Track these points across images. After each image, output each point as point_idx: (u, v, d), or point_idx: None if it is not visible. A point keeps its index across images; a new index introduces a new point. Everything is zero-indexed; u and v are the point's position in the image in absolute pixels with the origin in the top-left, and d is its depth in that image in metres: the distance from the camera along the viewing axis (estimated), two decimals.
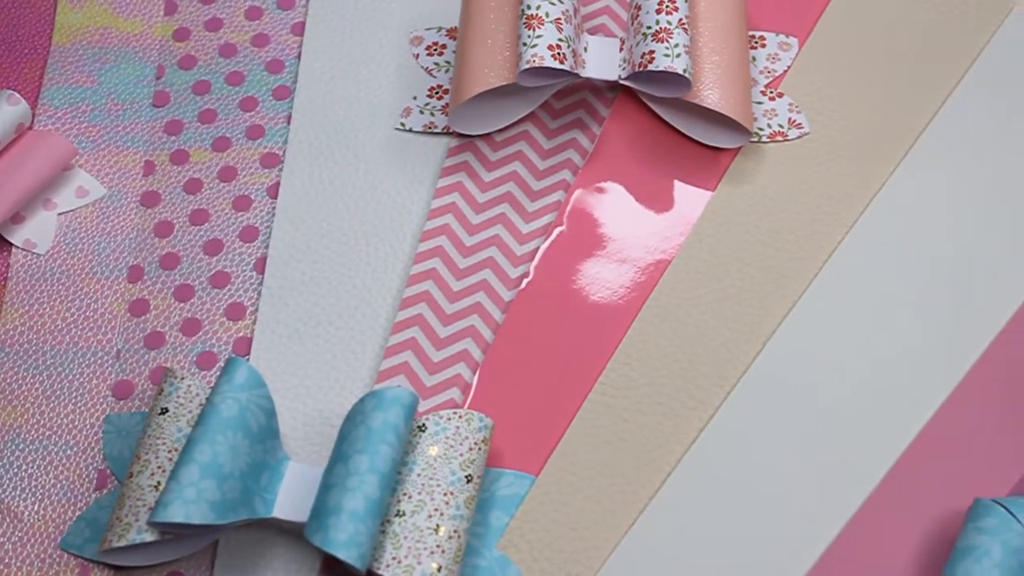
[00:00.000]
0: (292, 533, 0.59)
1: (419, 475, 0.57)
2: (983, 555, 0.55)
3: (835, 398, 0.62)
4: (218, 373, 0.61)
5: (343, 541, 0.53)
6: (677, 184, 0.68)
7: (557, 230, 0.66)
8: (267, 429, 0.58)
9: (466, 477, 0.58)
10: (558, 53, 0.65)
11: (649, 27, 0.66)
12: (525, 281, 0.65)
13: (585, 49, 0.68)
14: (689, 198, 0.67)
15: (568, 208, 0.67)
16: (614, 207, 0.67)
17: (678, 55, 0.65)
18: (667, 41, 0.65)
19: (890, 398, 0.62)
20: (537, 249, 0.66)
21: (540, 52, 0.64)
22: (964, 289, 0.64)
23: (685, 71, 0.65)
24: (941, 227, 0.66)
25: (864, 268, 0.65)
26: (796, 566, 0.58)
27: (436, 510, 0.57)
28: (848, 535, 0.59)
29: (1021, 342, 0.63)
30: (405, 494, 0.57)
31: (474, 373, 0.63)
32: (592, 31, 0.72)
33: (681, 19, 0.66)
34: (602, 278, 0.65)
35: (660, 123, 0.69)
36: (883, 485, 0.60)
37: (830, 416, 0.62)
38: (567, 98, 0.71)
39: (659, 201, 0.67)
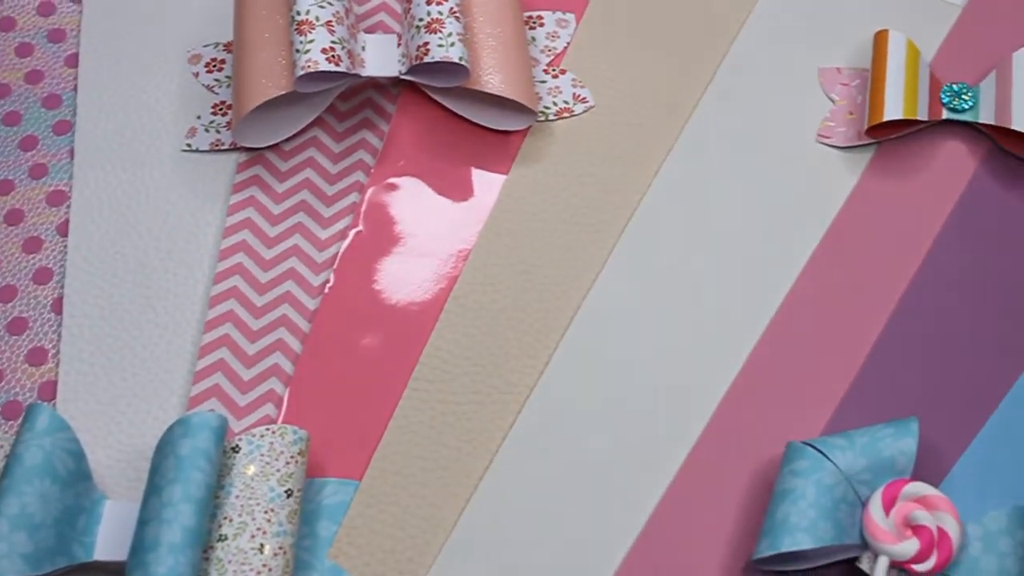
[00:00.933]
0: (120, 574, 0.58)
1: (237, 497, 0.57)
2: (799, 497, 0.56)
3: (646, 364, 0.63)
4: None
5: (163, 575, 0.53)
6: (470, 172, 0.68)
7: (354, 232, 0.66)
8: (77, 472, 0.57)
9: (286, 492, 0.57)
10: (332, 56, 0.64)
11: (421, 19, 0.66)
12: (328, 287, 0.64)
13: (363, 48, 0.68)
14: (484, 184, 0.68)
15: (364, 209, 0.67)
16: (410, 202, 0.67)
17: (452, 44, 0.65)
18: (440, 31, 0.65)
19: (698, 358, 0.63)
20: (337, 254, 0.65)
21: (314, 57, 0.64)
22: (756, 246, 0.66)
23: (461, 59, 0.65)
24: (728, 188, 0.67)
25: (660, 234, 0.66)
26: (626, 533, 0.59)
27: (259, 529, 0.56)
28: (673, 493, 0.60)
29: (814, 292, 0.64)
30: (226, 518, 0.56)
31: (286, 387, 0.62)
32: (370, 29, 0.72)
33: (452, 8, 0.66)
34: (405, 274, 0.65)
35: (447, 113, 0.69)
36: (701, 441, 0.61)
37: (643, 382, 0.62)
38: (352, 99, 0.70)
39: (455, 191, 0.67)
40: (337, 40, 0.65)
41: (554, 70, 0.71)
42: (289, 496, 0.57)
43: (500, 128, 0.68)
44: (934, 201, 0.67)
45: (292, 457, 0.58)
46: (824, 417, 0.61)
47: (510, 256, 0.65)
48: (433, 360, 0.63)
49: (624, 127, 0.69)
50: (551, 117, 0.69)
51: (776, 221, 0.66)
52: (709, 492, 0.60)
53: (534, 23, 0.72)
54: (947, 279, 0.65)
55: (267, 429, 0.58)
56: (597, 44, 0.72)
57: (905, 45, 0.68)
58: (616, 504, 0.60)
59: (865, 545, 0.56)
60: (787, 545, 0.55)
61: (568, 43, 0.72)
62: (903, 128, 0.68)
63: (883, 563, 0.55)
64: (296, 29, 0.65)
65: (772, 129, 0.69)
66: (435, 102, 0.69)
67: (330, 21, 0.65)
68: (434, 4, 0.66)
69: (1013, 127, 0.66)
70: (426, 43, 0.65)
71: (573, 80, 0.70)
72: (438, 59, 0.65)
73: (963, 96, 0.68)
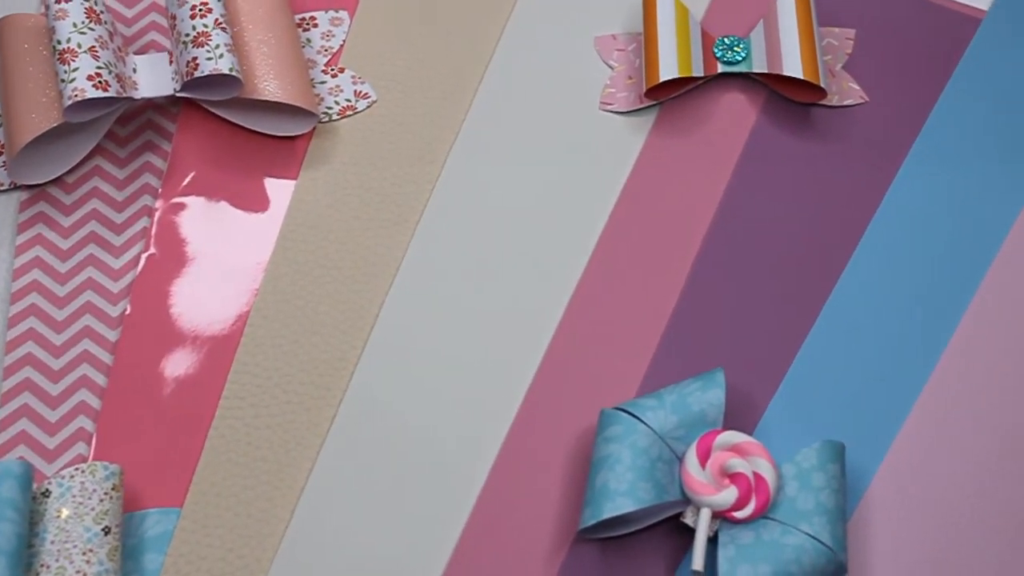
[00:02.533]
0: None
1: (53, 542, 0.55)
2: (616, 462, 0.57)
3: (455, 351, 0.63)
4: None
5: None
6: (259, 181, 0.67)
7: (147, 256, 0.65)
8: None
9: (103, 530, 0.56)
10: (100, 82, 0.63)
11: (187, 34, 0.65)
12: (125, 316, 0.63)
13: (134, 70, 0.66)
14: (274, 192, 0.67)
15: (155, 232, 0.65)
16: (202, 220, 0.66)
17: (221, 55, 0.64)
18: (207, 44, 0.64)
19: (506, 338, 0.63)
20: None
21: (80, 85, 0.62)
22: (552, 220, 0.66)
23: (231, 70, 0.64)
24: (518, 166, 0.68)
25: (455, 220, 0.66)
26: (456, 518, 0.59)
27: (78, 572, 0.55)
28: (497, 474, 0.60)
29: (613, 258, 0.65)
30: (43, 565, 0.55)
31: (95, 423, 0.61)
32: (143, 49, 0.71)
33: (217, 19, 0.65)
34: (205, 294, 0.64)
35: (229, 126, 0.68)
36: (519, 420, 0.61)
37: (454, 368, 0.62)
38: (131, 123, 0.69)
39: (245, 202, 0.67)
40: (103, 65, 0.63)
41: (332, 69, 0.70)
42: (107, 533, 0.56)
43: (284, 134, 0.68)
44: (720, 154, 0.68)
45: (106, 493, 0.57)
46: (637, 379, 0.62)
47: (308, 261, 0.65)
48: (242, 376, 0.62)
49: (409, 118, 0.69)
50: (334, 117, 0.69)
51: (569, 193, 0.67)
52: (532, 469, 0.60)
53: (307, 24, 0.71)
54: (740, 227, 0.66)
55: (77, 469, 0.57)
56: (373, 38, 0.71)
57: (673, 5, 0.69)
58: (443, 491, 0.60)
59: (687, 500, 0.57)
60: (609, 511, 0.55)
61: (344, 41, 0.71)
62: (682, 86, 0.69)
63: (705, 515, 0.56)
64: (59, 59, 0.63)
65: (555, 102, 0.69)
66: (216, 116, 0.68)
67: (93, 47, 0.64)
68: (199, 17, 0.65)
69: (785, 73, 0.67)
70: (195, 58, 0.64)
71: (353, 77, 0.70)
72: (208, 72, 0.64)
73: (735, 48, 0.69)
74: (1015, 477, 0.60)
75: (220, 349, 0.63)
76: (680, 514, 0.58)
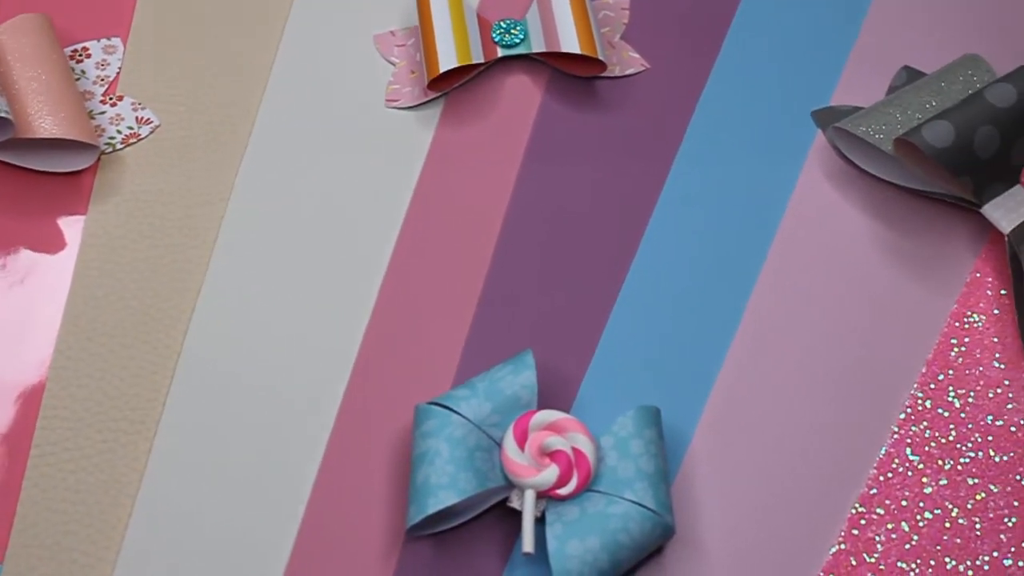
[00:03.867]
0: None
1: None
2: (434, 456, 0.57)
3: (267, 365, 0.62)
4: None
5: None
6: (49, 222, 0.66)
7: None
8: None
9: None
10: None
11: None
12: None
13: None
14: (66, 230, 0.66)
15: None
16: None
17: None
18: None
19: (317, 345, 0.63)
20: None
21: None
22: (351, 223, 0.66)
23: (1, 111, 0.62)
24: (311, 173, 0.67)
25: (253, 235, 0.65)
26: (287, 529, 0.58)
27: None
28: (322, 481, 0.60)
29: (415, 253, 0.65)
30: None
31: None
32: None
33: None
34: (5, 344, 0.62)
35: (11, 168, 0.66)
36: (339, 424, 0.61)
37: (268, 383, 0.62)
38: None
39: (37, 245, 0.66)
40: None
41: (111, 98, 0.69)
42: None
43: (68, 170, 0.66)
44: (510, 136, 0.68)
45: None
46: (451, 370, 0.62)
47: (107, 295, 0.64)
48: (52, 422, 0.61)
49: (196, 137, 0.68)
50: (118, 146, 0.67)
51: (364, 194, 0.67)
52: (357, 474, 0.60)
53: (80, 55, 0.70)
54: (535, 208, 0.66)
55: None
56: (149, 62, 0.70)
57: None
58: (268, 512, 0.59)
59: (511, 484, 0.57)
60: (433, 506, 0.55)
61: (120, 68, 0.70)
62: (465, 75, 0.69)
63: (530, 496, 0.57)
64: None
65: (342, 105, 0.69)
66: None
67: None
68: None
69: (563, 50, 0.67)
70: None
71: (133, 104, 0.69)
72: None
73: (512, 31, 0.69)
74: (826, 418, 0.61)
75: (27, 398, 0.61)
76: (506, 499, 0.58)
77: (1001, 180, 0.63)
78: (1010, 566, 0.58)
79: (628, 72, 0.70)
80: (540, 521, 0.57)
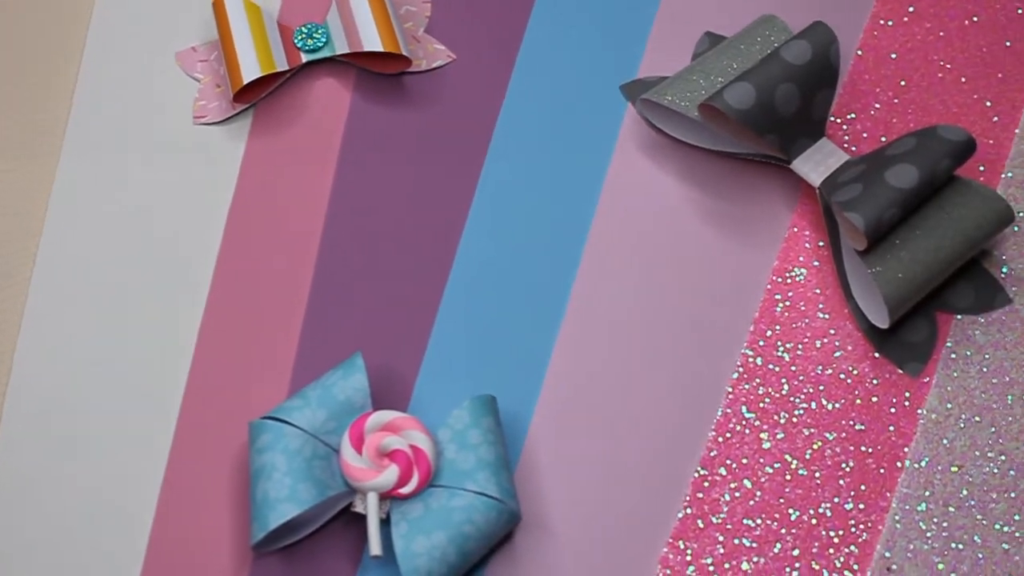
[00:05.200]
0: None
1: None
2: (272, 470, 0.56)
3: (97, 393, 0.61)
4: None
5: None
6: None
7: None
8: None
9: None
10: None
11: None
12: None
13: None
14: None
15: None
16: None
17: None
18: None
19: (146, 372, 0.62)
20: None
21: None
22: (163, 245, 0.65)
23: None
24: (127, 196, 0.66)
25: (73, 262, 0.64)
26: (130, 564, 0.57)
27: None
28: (163, 506, 0.59)
29: (237, 269, 0.64)
30: None
31: None
32: None
33: None
34: None
35: None
36: (176, 448, 0.60)
37: (101, 411, 0.61)
38: None
39: None
40: None
41: None
42: None
43: None
44: (322, 141, 0.68)
45: None
46: (284, 383, 0.62)
47: None
48: None
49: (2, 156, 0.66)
50: None
51: (181, 215, 0.66)
52: (199, 494, 0.59)
53: None
54: (355, 210, 0.66)
55: None
56: None
57: (243, 6, 0.68)
58: (112, 541, 0.58)
59: (353, 489, 0.57)
60: (275, 521, 0.55)
61: None
62: (271, 83, 0.68)
63: (372, 499, 0.56)
64: None
65: (149, 127, 0.68)
66: None
67: None
68: None
69: (366, 49, 0.67)
70: None
71: None
72: None
73: (315, 35, 0.69)
74: (661, 387, 0.62)
75: None
76: (351, 504, 0.57)
77: (807, 135, 0.64)
78: (851, 509, 0.60)
79: (435, 65, 0.70)
80: (386, 522, 0.57)
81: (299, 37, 0.68)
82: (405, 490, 0.56)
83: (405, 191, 0.66)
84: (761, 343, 0.63)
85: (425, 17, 0.71)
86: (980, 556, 0.59)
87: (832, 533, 0.59)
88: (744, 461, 0.61)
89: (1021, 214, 0.66)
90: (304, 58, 0.68)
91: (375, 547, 0.55)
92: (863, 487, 0.60)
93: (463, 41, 0.71)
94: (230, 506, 0.59)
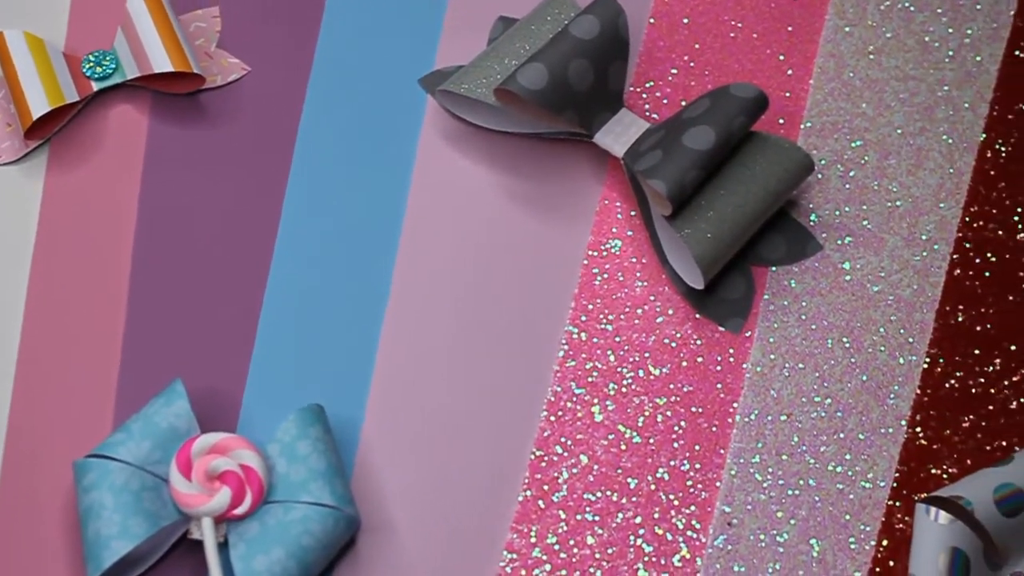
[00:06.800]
0: None
1: None
2: (100, 508, 0.55)
3: None
4: None
5: None
6: None
7: None
8: None
9: None
10: None
11: None
12: None
13: None
14: None
15: None
16: None
17: None
18: None
19: None
20: None
21: None
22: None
23: None
24: None
25: None
26: None
27: None
28: None
29: (47, 315, 0.63)
30: None
31: None
32: None
33: None
34: None
35: None
36: (2, 498, 0.59)
37: None
38: None
39: None
40: None
41: None
42: None
43: None
44: (123, 169, 0.67)
45: None
46: (107, 419, 0.61)
47: None
48: None
49: None
50: None
51: None
52: (30, 541, 0.58)
53: None
54: (165, 235, 0.65)
55: None
56: None
57: (24, 40, 0.67)
58: None
59: (187, 517, 0.56)
60: (108, 559, 0.54)
61: None
62: (64, 116, 0.67)
63: (207, 524, 0.56)
64: None
65: None
66: None
67: None
68: None
69: (156, 71, 0.66)
70: None
71: None
72: None
73: (104, 63, 0.68)
74: (489, 374, 0.62)
75: None
76: (188, 532, 0.57)
77: (606, 108, 0.65)
78: (688, 470, 0.60)
79: (231, 79, 0.69)
80: (225, 545, 0.56)
81: (87, 66, 0.67)
82: (239, 511, 0.56)
83: (214, 209, 0.66)
84: (583, 318, 0.63)
85: (216, 32, 0.70)
86: (816, 499, 0.60)
87: (672, 496, 0.60)
88: (579, 437, 0.61)
89: (823, 161, 0.67)
90: (95, 86, 0.67)
91: (215, 572, 0.55)
92: (697, 447, 0.61)
93: (257, 52, 0.70)
94: (64, 548, 0.58)
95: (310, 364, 0.62)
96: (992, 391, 0.62)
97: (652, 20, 0.71)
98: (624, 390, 0.62)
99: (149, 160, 0.67)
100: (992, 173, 0.67)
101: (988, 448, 0.61)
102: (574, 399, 0.62)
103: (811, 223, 0.65)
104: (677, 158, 0.61)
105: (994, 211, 0.66)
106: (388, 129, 0.68)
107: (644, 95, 0.69)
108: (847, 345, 0.63)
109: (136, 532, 0.54)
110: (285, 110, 0.68)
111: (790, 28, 0.70)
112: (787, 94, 0.69)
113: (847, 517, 0.59)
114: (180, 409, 0.57)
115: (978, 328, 0.63)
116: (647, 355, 0.63)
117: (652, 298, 0.64)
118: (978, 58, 0.69)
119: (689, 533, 0.59)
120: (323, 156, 0.67)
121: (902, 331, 0.63)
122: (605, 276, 0.64)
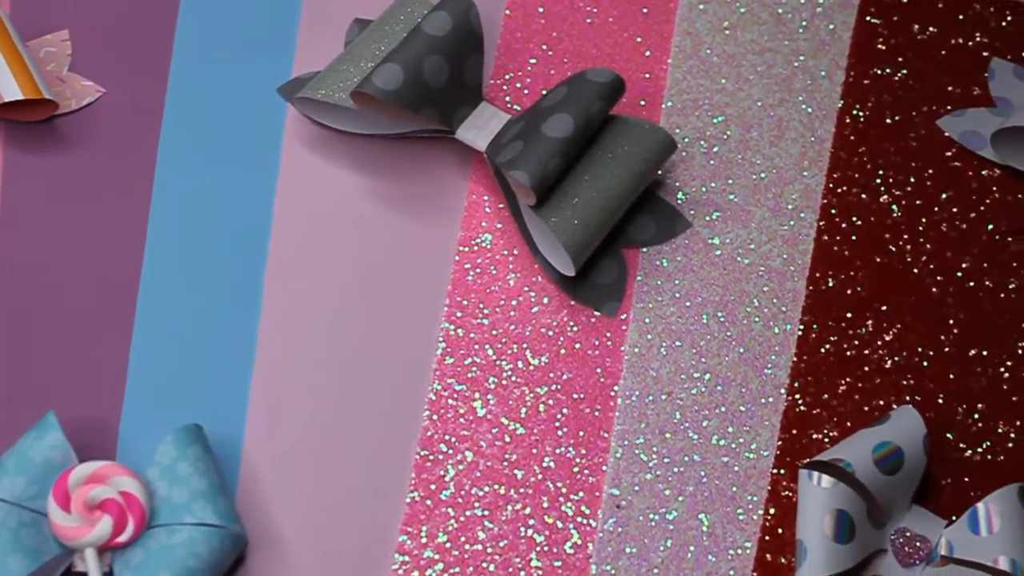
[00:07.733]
0: None
1: None
2: None
3: None
4: None
5: None
6: None
7: None
8: None
9: None
10: None
11: None
12: None
13: None
14: None
15: None
16: None
17: None
18: None
19: None
20: None
21: None
22: None
23: None
24: None
25: None
26: None
27: None
28: None
29: None
30: None
31: None
32: None
33: None
34: None
35: None
36: None
37: None
38: None
39: None
40: None
41: None
42: None
43: None
44: None
45: None
46: None
47: None
48: None
49: None
50: None
51: None
52: None
53: None
54: (27, 267, 0.64)
55: None
56: None
57: None
58: None
59: (70, 550, 0.55)
60: None
61: None
62: None
63: (91, 556, 0.55)
64: None
65: None
66: None
67: None
68: None
69: (6, 100, 0.65)
70: None
71: None
72: None
73: None
74: (368, 379, 0.62)
75: None
76: (72, 565, 0.56)
77: (466, 103, 0.65)
78: (573, 456, 0.61)
79: (86, 102, 0.68)
80: (111, 574, 0.55)
81: None
82: (122, 538, 0.55)
83: (77, 234, 0.65)
84: (459, 314, 0.63)
85: (67, 55, 0.69)
86: (702, 474, 0.60)
87: (559, 484, 0.60)
88: (463, 433, 0.61)
89: (687, 139, 0.67)
90: None
91: None
92: (581, 433, 0.61)
93: (111, 72, 0.69)
94: None
95: (187, 384, 0.61)
96: (867, 352, 0.63)
97: (508, 12, 0.71)
98: (505, 383, 0.62)
99: (7, 191, 0.66)
100: (852, 138, 0.68)
101: (866, 408, 0.62)
102: (455, 396, 0.62)
103: (679, 201, 0.66)
104: (538, 148, 0.61)
105: (856, 175, 0.67)
106: (250, 140, 0.67)
107: (505, 87, 0.69)
108: (722, 319, 0.63)
109: (16, 570, 0.53)
110: (144, 129, 0.67)
111: (645, 10, 0.71)
112: (647, 75, 0.69)
113: (734, 489, 0.60)
114: (55, 440, 0.56)
115: (849, 292, 0.64)
116: (525, 346, 0.63)
117: (526, 289, 0.64)
118: (831, 26, 0.70)
119: (579, 519, 0.59)
120: (186, 172, 0.66)
121: (775, 301, 0.64)
122: (478, 271, 0.64)
